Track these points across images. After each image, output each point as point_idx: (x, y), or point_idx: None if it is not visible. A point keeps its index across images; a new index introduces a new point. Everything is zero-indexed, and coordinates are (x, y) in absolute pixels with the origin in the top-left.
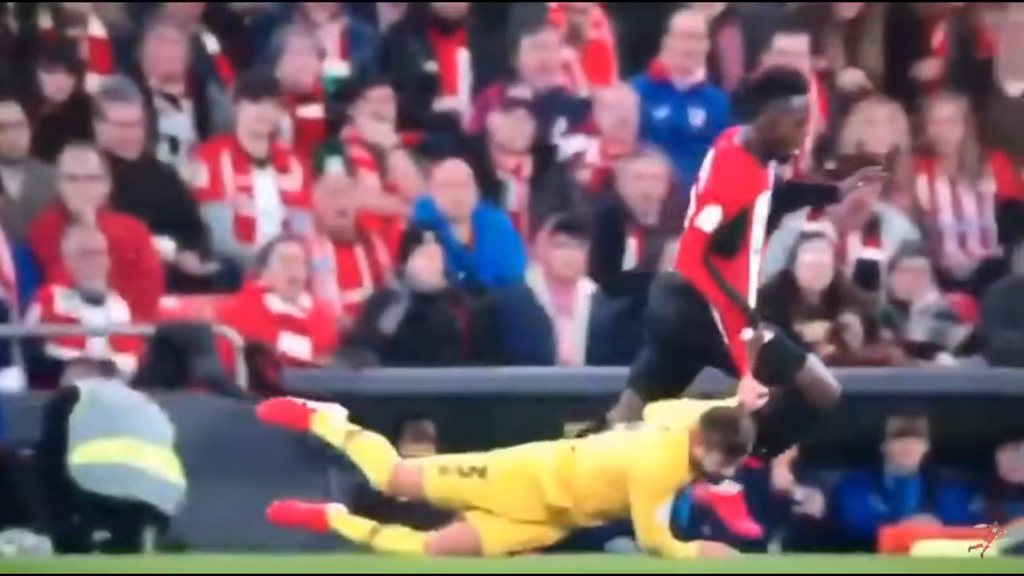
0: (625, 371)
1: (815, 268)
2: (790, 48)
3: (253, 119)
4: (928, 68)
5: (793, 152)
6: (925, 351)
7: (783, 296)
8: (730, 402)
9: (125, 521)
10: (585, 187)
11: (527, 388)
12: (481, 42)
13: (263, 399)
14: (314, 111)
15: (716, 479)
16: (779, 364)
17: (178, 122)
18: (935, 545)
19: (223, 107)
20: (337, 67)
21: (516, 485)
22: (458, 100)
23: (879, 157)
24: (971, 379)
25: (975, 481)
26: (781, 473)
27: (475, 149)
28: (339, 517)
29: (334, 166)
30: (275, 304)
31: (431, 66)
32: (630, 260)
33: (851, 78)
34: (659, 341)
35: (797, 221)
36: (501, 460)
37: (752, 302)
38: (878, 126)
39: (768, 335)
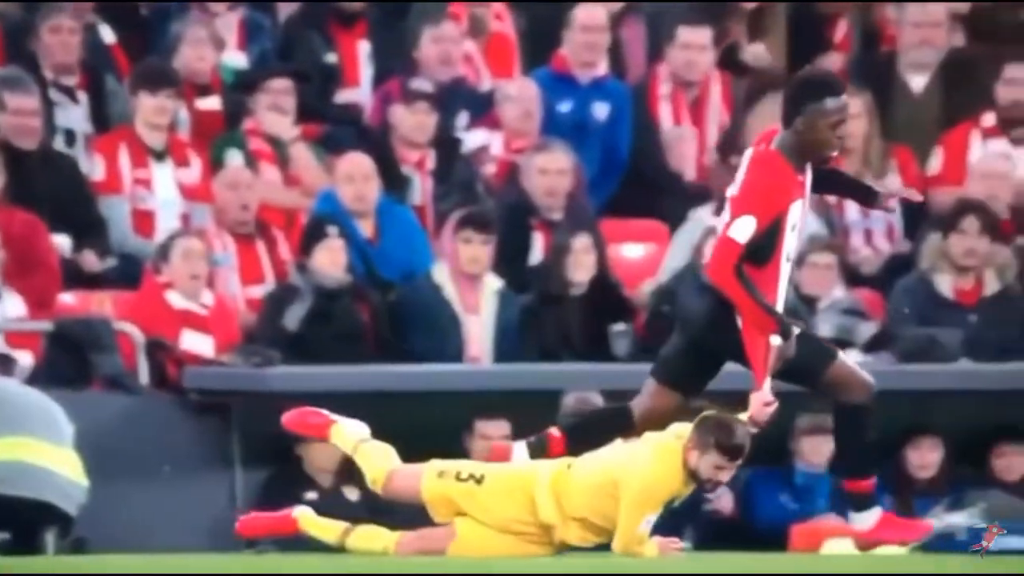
0: (533, 368)
1: None
2: (693, 41)
3: (151, 111)
4: (831, 62)
5: (830, 155)
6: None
7: None
8: (741, 416)
9: (26, 522)
10: (490, 181)
11: (434, 386)
12: (382, 34)
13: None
14: (213, 103)
15: (712, 488)
16: (809, 361)
17: (74, 114)
18: (845, 543)
19: (120, 99)
20: (235, 58)
21: (510, 497)
22: (360, 92)
23: None
24: (879, 375)
25: (884, 478)
26: None
27: (378, 142)
28: (309, 520)
29: (234, 159)
30: (176, 301)
31: (332, 58)
32: (536, 255)
33: (754, 52)
34: (686, 336)
35: (704, 215)
36: (499, 470)
37: (780, 308)
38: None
39: (796, 331)
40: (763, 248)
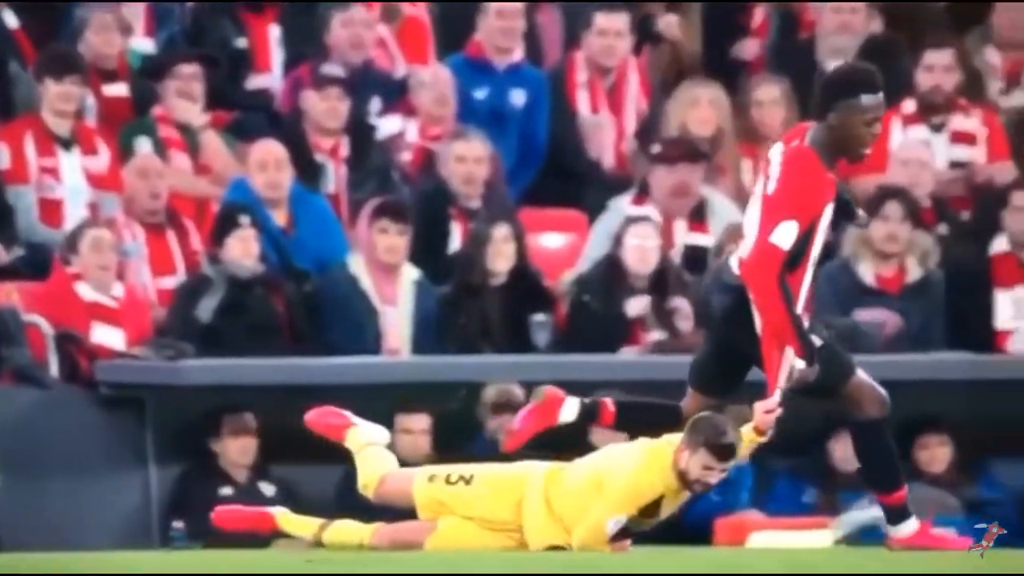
0: (453, 360)
1: (641, 252)
2: (610, 27)
3: (57, 98)
4: (748, 48)
5: (863, 152)
6: None
7: (609, 280)
8: (745, 428)
9: None
10: (406, 169)
11: (351, 379)
12: (294, 18)
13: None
14: (120, 89)
15: (700, 489)
16: (830, 373)
17: None
18: (769, 536)
19: (24, 85)
20: (143, 43)
21: (499, 497)
22: (271, 78)
23: (703, 140)
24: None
25: (808, 471)
26: None
27: (290, 129)
28: (285, 518)
29: (143, 147)
30: (86, 292)
31: (242, 42)
32: (455, 245)
33: (667, 22)
34: (713, 338)
35: (623, 203)
36: (489, 471)
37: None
38: (701, 108)
39: (819, 343)
40: (794, 253)
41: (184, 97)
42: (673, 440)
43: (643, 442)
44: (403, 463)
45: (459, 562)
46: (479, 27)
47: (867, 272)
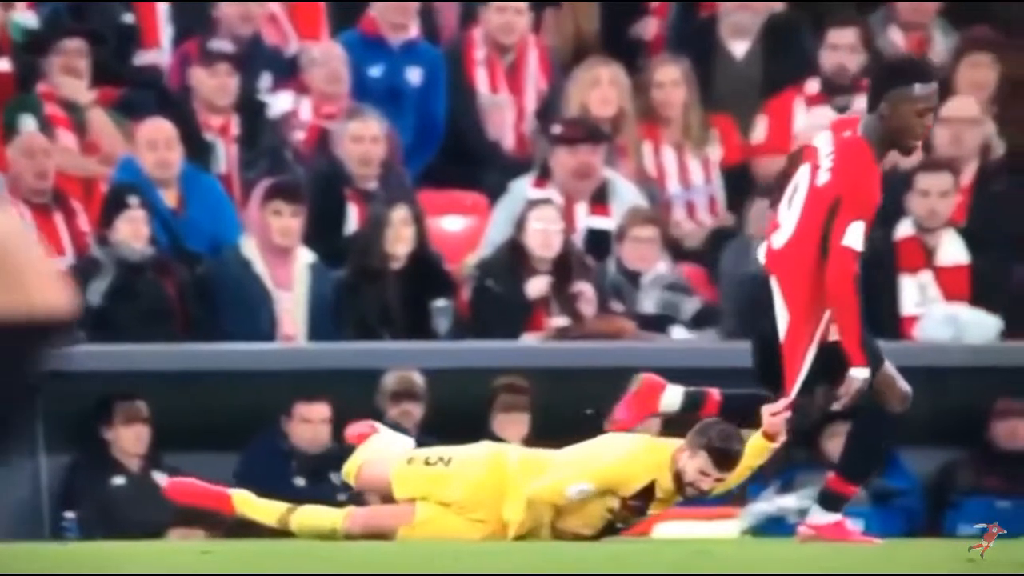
0: (351, 346)
1: (544, 236)
2: (508, 3)
3: None
4: (647, 28)
5: (914, 144)
6: (657, 324)
7: (512, 265)
8: (754, 436)
9: None
10: (299, 148)
11: (246, 365)
12: None
13: None
14: (2, 65)
15: (692, 493)
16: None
17: None
18: (675, 527)
19: None
20: (26, 17)
21: (478, 480)
22: (159, 54)
23: (604, 121)
24: (703, 353)
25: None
26: None
27: (179, 106)
28: (245, 502)
29: (27, 125)
30: None
31: (129, 17)
32: (351, 227)
33: None
34: (753, 334)
35: (524, 185)
36: (468, 453)
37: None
38: (602, 88)
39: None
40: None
41: (69, 73)
42: (677, 441)
43: (644, 436)
44: (303, 453)
45: (447, 556)
46: (373, 3)
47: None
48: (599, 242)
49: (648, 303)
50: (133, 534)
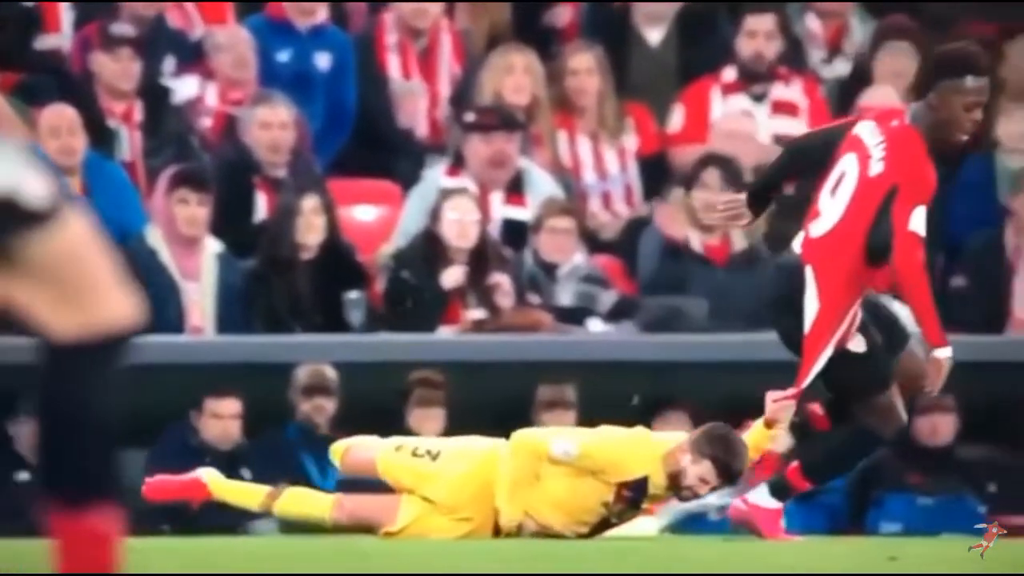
0: (261, 339)
1: (460, 226)
2: None
3: None
4: (559, 15)
5: (961, 138)
6: (574, 316)
7: (428, 256)
8: (756, 423)
9: None
10: (205, 135)
11: (153, 358)
12: None
13: None
14: None
15: (687, 497)
16: (874, 377)
17: None
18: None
19: None
20: None
21: (466, 477)
22: (61, 38)
23: (518, 109)
24: (622, 346)
25: None
26: None
27: (81, 92)
28: (219, 485)
29: None
30: None
31: (29, 1)
32: (260, 216)
33: None
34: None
35: (438, 174)
36: (457, 448)
37: None
38: (515, 76)
39: (863, 346)
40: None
41: None
42: (663, 437)
43: (641, 429)
44: (214, 449)
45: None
46: None
47: (695, 241)
48: (515, 233)
49: (565, 295)
50: (37, 531)
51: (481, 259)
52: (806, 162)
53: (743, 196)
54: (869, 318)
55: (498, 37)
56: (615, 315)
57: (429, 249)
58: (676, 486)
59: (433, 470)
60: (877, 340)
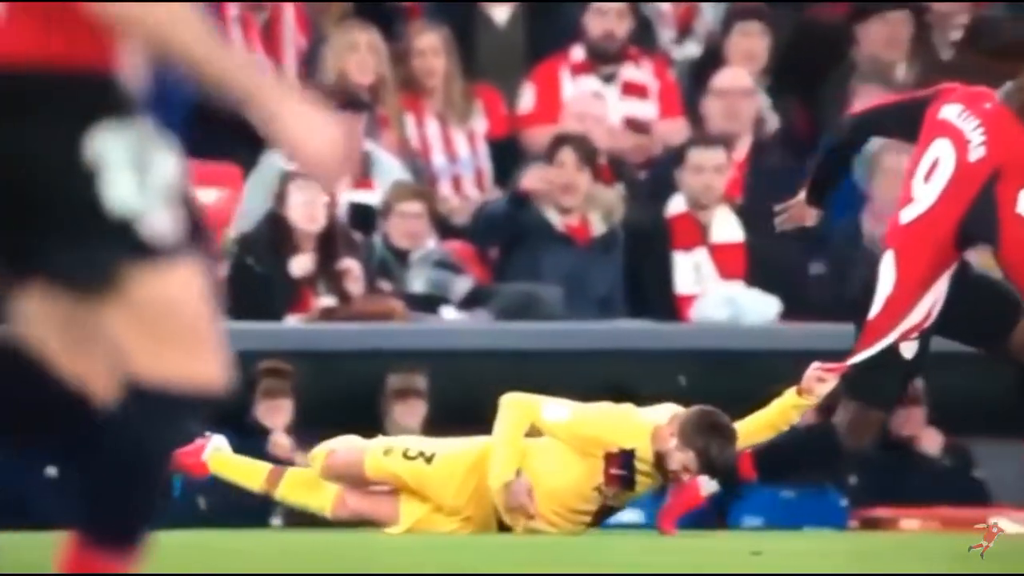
0: None
1: (307, 209)
2: None
3: None
4: None
5: None
6: (427, 304)
7: (274, 241)
8: (790, 390)
9: None
10: None
11: None
12: None
13: None
14: None
15: (674, 480)
16: (884, 386)
17: None
18: None
19: None
20: None
21: (463, 478)
22: None
23: (362, 89)
24: (477, 334)
25: None
26: (280, 440)
27: None
28: (222, 461)
29: None
30: None
31: None
32: None
33: None
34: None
35: (277, 157)
36: (450, 449)
37: None
38: (359, 54)
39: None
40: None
41: None
42: (652, 412)
43: (628, 405)
44: None
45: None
46: None
47: (555, 219)
48: (363, 217)
49: (417, 282)
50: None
51: (330, 244)
52: (883, 134)
53: (801, 195)
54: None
55: (342, 14)
56: (469, 302)
57: (275, 234)
58: (661, 467)
59: (430, 472)
60: (923, 356)
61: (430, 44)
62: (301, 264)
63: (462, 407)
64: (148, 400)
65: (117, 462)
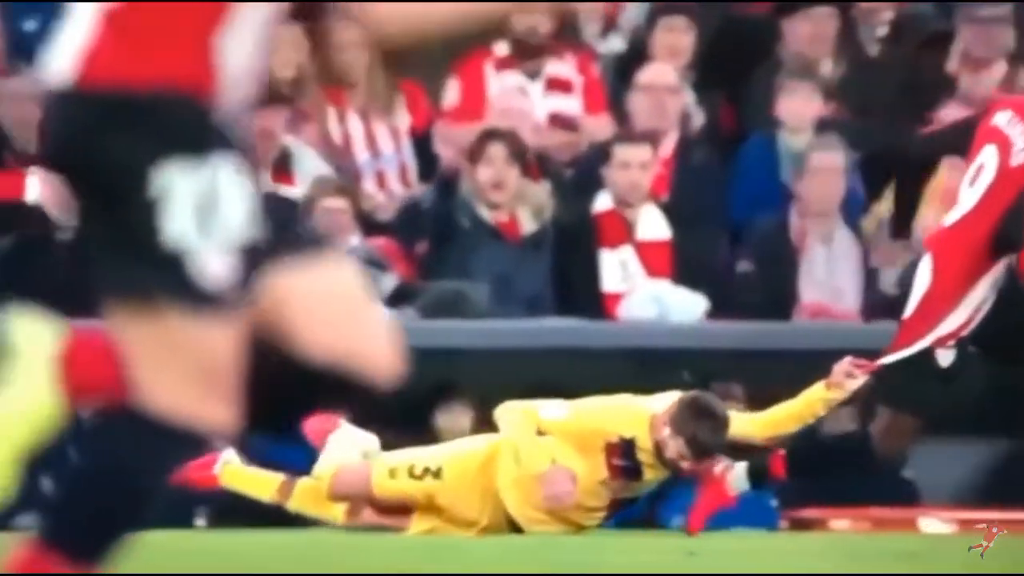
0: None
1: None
2: None
3: None
4: None
5: None
6: None
7: None
8: (818, 384)
9: None
10: None
11: None
12: None
13: None
14: None
15: (675, 469)
16: (918, 392)
17: None
18: None
19: None
20: None
21: (473, 486)
22: None
23: (284, 83)
24: (402, 332)
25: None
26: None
27: None
28: (235, 473)
29: None
30: None
31: None
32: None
33: None
34: None
35: None
36: (455, 458)
37: None
38: (281, 48)
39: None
40: None
41: None
42: (650, 400)
43: (625, 395)
44: None
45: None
46: None
47: (485, 215)
48: (284, 211)
49: None
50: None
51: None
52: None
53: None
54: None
55: None
56: (395, 300)
57: None
58: (661, 456)
59: (441, 487)
60: (961, 365)
61: (352, 37)
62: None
63: (386, 406)
64: (143, 425)
65: (92, 475)
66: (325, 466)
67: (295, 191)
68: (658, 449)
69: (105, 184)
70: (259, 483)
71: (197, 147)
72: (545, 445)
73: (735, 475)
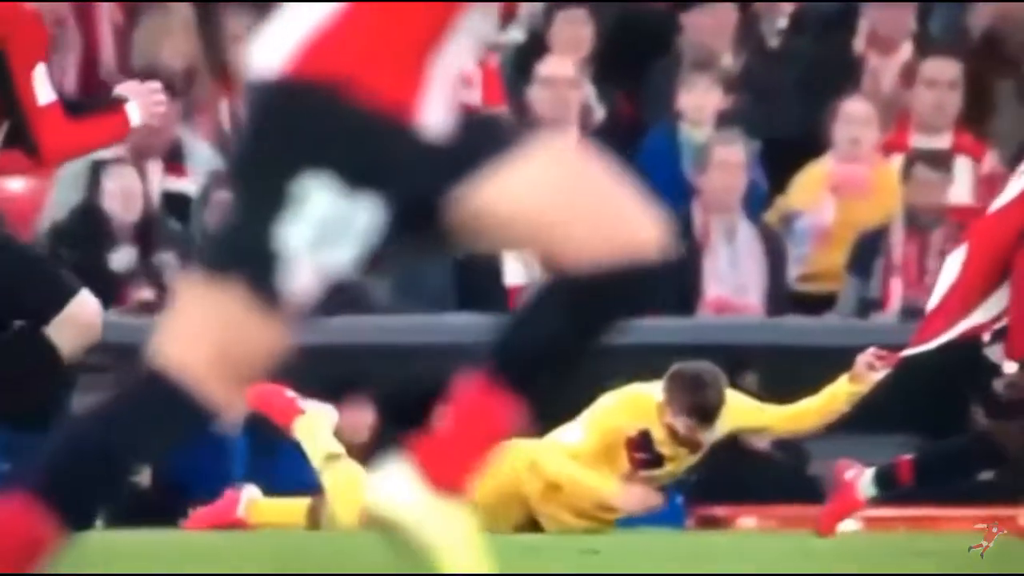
0: None
1: (124, 198)
2: None
3: None
4: None
5: None
6: None
7: (89, 231)
8: (842, 377)
9: None
10: None
11: None
12: None
13: None
14: None
15: (698, 448)
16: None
17: None
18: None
19: None
20: None
21: (498, 493)
22: None
23: (176, 74)
24: (300, 328)
25: None
26: None
27: None
28: (261, 508)
29: None
30: None
31: None
32: None
33: None
34: None
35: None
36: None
37: None
38: (174, 38)
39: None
40: None
41: None
42: (654, 388)
43: (633, 386)
44: None
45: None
46: None
47: None
48: (177, 206)
49: None
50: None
51: (147, 235)
52: None
53: None
54: None
55: None
56: None
57: (90, 224)
58: (678, 438)
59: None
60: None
61: (245, 29)
62: (121, 256)
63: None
64: (154, 386)
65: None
66: (349, 503)
67: (188, 184)
68: (671, 433)
69: (261, 160)
70: (287, 511)
71: (358, 178)
72: (589, 472)
73: (864, 481)
